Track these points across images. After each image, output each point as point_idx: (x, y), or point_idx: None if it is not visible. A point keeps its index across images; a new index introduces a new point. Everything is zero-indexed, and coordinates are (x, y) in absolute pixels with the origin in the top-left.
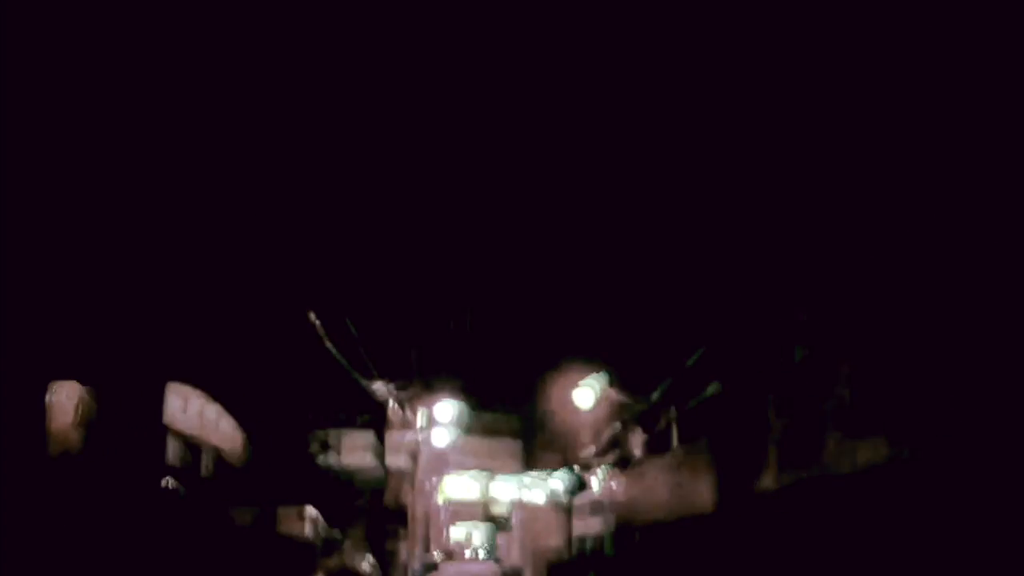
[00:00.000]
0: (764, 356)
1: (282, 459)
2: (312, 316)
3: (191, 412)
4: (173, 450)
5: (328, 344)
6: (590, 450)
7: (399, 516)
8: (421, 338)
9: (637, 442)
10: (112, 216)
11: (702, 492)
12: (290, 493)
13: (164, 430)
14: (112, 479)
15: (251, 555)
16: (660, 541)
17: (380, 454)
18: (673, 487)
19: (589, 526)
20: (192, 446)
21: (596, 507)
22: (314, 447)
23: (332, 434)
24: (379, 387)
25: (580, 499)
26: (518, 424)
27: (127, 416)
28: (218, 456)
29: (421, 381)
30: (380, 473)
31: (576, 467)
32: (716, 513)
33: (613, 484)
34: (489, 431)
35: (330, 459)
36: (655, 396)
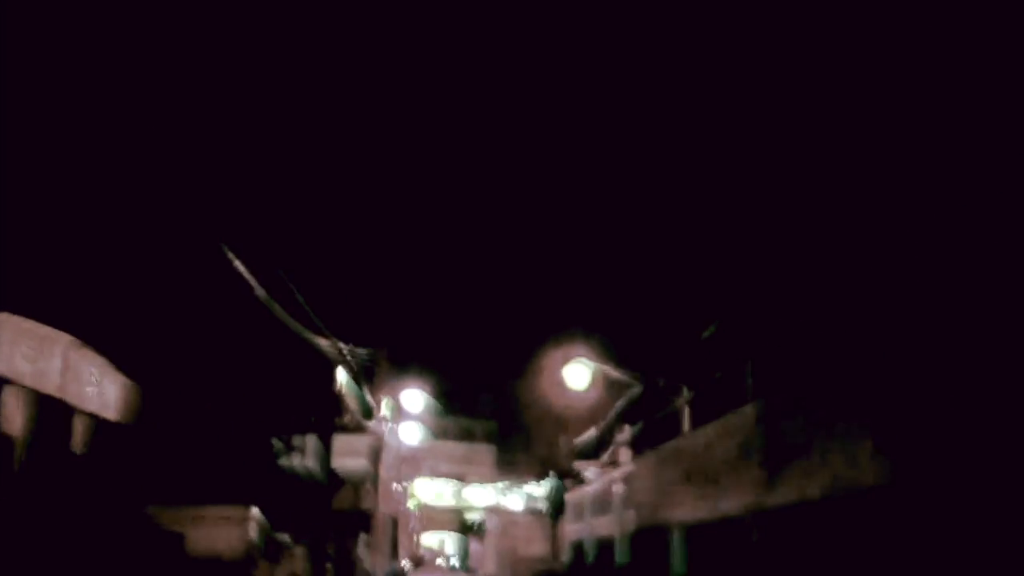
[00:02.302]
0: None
1: (213, 445)
2: (230, 253)
3: (47, 361)
4: (13, 413)
5: (252, 282)
6: (590, 434)
7: (363, 521)
8: (388, 304)
9: (623, 439)
10: None
11: (854, 458)
12: (234, 491)
13: None
14: None
15: (156, 562)
16: (727, 542)
17: (365, 455)
18: (760, 461)
19: (591, 528)
20: (57, 411)
21: (602, 504)
22: (278, 446)
23: (297, 437)
24: (330, 346)
25: (575, 497)
26: (494, 429)
27: None
28: (101, 428)
29: (385, 350)
30: (358, 474)
31: (557, 469)
32: (890, 486)
33: (624, 472)
34: (464, 435)
35: (293, 460)
36: (708, 333)
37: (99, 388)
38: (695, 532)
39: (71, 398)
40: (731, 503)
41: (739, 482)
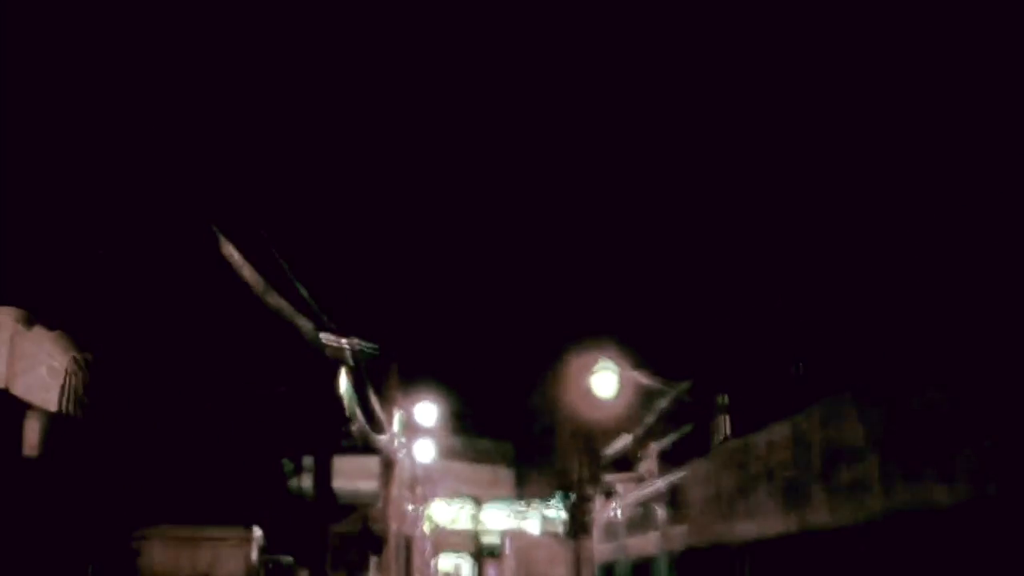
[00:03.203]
0: None
1: (212, 456)
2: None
3: None
4: None
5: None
6: (623, 443)
7: (375, 544)
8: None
9: (661, 447)
10: None
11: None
12: (235, 510)
13: None
14: None
15: None
16: (806, 561)
17: (376, 476)
18: (880, 459)
19: (626, 548)
20: (3, 407)
21: (640, 521)
22: (288, 467)
23: (307, 457)
24: (330, 339)
25: (606, 514)
26: (511, 450)
27: None
28: (60, 428)
29: (396, 360)
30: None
31: (576, 486)
32: None
33: (670, 483)
34: (480, 456)
35: (302, 481)
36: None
37: (56, 378)
38: (763, 550)
39: (20, 390)
40: (830, 514)
41: (840, 487)
